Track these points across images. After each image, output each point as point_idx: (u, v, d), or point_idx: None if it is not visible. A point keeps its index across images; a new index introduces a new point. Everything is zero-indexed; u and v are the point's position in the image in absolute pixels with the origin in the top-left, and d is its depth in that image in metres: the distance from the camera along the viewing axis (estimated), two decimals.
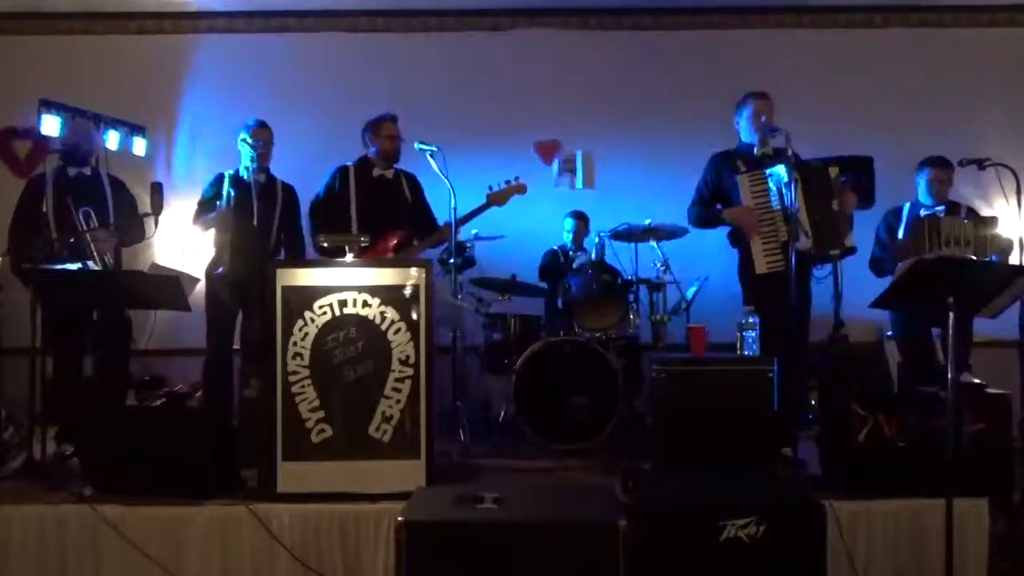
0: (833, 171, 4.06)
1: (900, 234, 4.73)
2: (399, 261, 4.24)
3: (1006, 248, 4.50)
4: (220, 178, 4.52)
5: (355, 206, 4.54)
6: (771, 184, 4.02)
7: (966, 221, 4.47)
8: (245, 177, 4.47)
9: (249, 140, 4.42)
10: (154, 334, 4.41)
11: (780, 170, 3.93)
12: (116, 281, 4.07)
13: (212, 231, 4.53)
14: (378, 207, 4.54)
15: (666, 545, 2.89)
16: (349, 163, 4.65)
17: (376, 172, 4.64)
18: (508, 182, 4.57)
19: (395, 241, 4.41)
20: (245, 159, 4.47)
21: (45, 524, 3.28)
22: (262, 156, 4.47)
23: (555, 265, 5.54)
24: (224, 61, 6.05)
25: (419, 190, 4.73)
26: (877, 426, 3.34)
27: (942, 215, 4.61)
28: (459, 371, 4.40)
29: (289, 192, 4.70)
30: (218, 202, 4.42)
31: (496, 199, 4.55)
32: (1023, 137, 5.73)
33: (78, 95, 4.71)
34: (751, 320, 3.73)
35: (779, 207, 4.00)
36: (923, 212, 4.70)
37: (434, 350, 3.46)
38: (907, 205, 4.81)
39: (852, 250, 4.13)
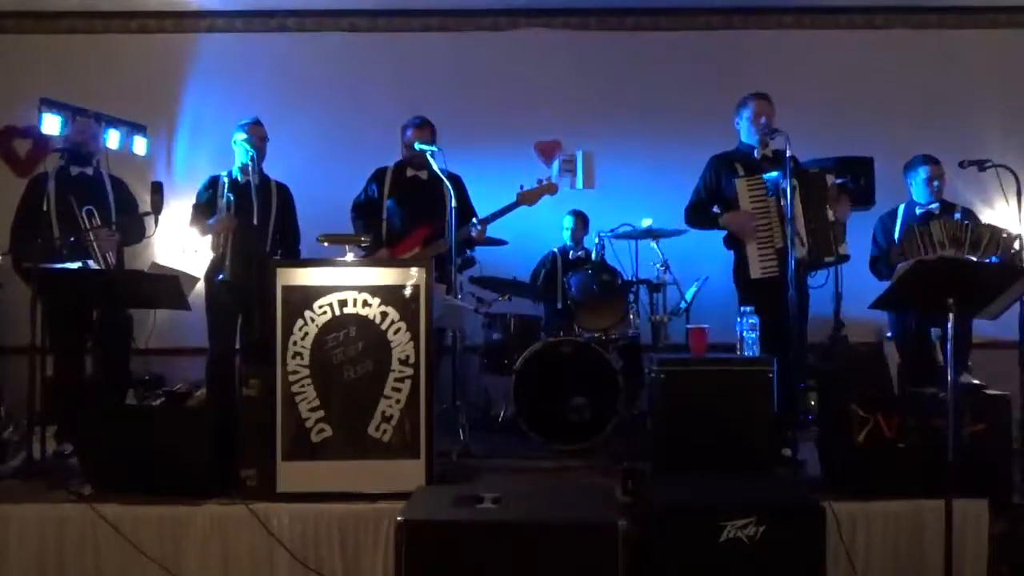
0: (830, 178, 4.05)
1: (896, 235, 4.74)
2: (399, 261, 4.25)
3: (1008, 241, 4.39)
4: (214, 180, 4.52)
5: (387, 207, 4.53)
6: (768, 189, 4.02)
7: (965, 222, 4.47)
8: (240, 178, 4.47)
9: (246, 138, 4.41)
10: (154, 334, 4.42)
11: (778, 176, 3.94)
12: (116, 280, 4.06)
13: (210, 235, 4.49)
14: (410, 208, 4.51)
15: (666, 545, 2.90)
16: (389, 164, 4.64)
17: (409, 173, 4.59)
18: (540, 181, 4.49)
19: (423, 234, 4.41)
20: (241, 159, 4.46)
21: (45, 524, 3.28)
22: (259, 153, 4.46)
23: (551, 268, 5.53)
24: (224, 61, 6.04)
25: (463, 192, 4.54)
26: (877, 427, 3.34)
27: (936, 212, 4.62)
28: (459, 371, 4.40)
29: (283, 191, 4.69)
30: (219, 202, 4.41)
31: (526, 199, 4.45)
32: (1023, 139, 5.74)
33: (78, 94, 4.72)
34: (751, 320, 3.73)
35: (776, 213, 4.00)
36: (919, 211, 4.72)
37: (434, 350, 3.46)
38: (902, 207, 4.82)
39: (845, 258, 4.12)
